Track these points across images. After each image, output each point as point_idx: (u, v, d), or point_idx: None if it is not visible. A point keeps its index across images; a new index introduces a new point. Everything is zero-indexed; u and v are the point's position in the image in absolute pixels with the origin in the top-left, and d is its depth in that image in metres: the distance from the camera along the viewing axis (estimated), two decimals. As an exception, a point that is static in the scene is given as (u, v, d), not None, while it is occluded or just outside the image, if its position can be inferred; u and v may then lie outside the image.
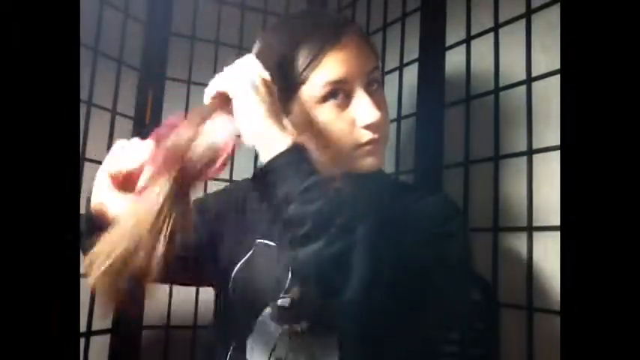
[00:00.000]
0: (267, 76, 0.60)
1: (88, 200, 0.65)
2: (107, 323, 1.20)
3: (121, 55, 1.28)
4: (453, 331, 0.97)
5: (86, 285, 0.55)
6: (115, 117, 1.25)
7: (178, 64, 1.36)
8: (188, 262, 0.68)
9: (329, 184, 0.55)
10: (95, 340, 1.16)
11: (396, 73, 1.25)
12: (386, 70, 1.28)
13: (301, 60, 0.65)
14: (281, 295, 0.69)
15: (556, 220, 0.86)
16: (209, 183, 1.13)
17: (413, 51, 1.20)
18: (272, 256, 0.72)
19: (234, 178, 1.33)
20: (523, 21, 0.96)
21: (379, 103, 0.68)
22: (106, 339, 1.20)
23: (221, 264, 0.76)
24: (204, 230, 0.77)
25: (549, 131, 0.89)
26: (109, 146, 1.24)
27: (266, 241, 0.74)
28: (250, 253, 0.74)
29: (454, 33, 1.12)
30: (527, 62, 0.95)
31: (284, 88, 0.65)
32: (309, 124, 0.67)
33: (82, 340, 1.14)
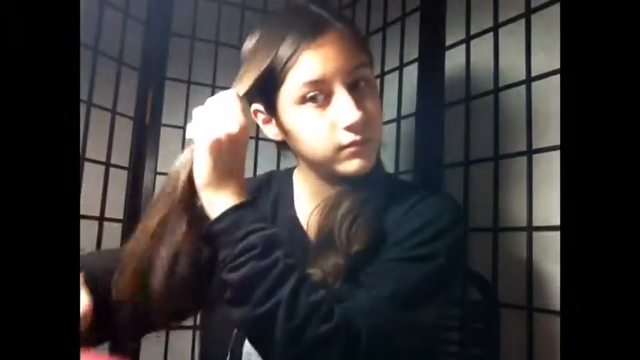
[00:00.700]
0: (240, 120, 0.59)
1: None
2: (107, 323, 1.20)
3: (121, 55, 1.28)
4: (452, 331, 0.97)
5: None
6: (115, 117, 1.25)
7: (178, 64, 1.36)
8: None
9: (264, 243, 0.56)
10: (95, 340, 1.16)
11: (396, 73, 1.25)
12: (386, 70, 1.28)
13: (280, 59, 0.63)
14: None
15: (556, 220, 0.86)
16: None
17: (413, 51, 1.20)
18: None
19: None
20: (523, 21, 0.96)
21: (365, 102, 0.65)
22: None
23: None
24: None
25: (549, 131, 0.89)
26: (109, 146, 1.25)
27: None
28: None
29: (454, 33, 1.12)
30: (527, 62, 0.95)
31: (270, 88, 0.64)
32: (291, 126, 0.65)
33: (82, 340, 1.14)
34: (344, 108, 0.63)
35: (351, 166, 0.65)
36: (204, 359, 0.80)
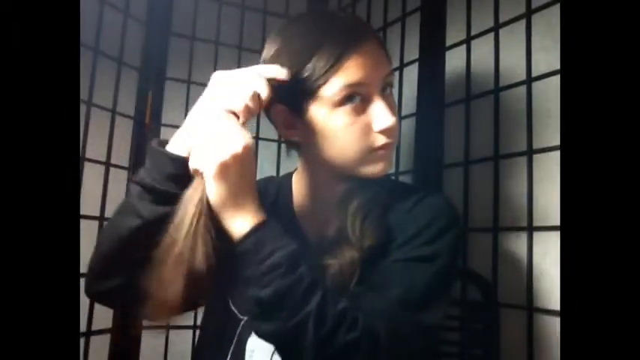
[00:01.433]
0: (242, 138, 0.58)
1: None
2: (107, 323, 1.20)
3: (121, 55, 1.28)
4: (452, 331, 0.97)
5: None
6: (115, 117, 1.25)
7: (178, 64, 1.36)
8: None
9: (289, 258, 0.58)
10: (95, 340, 1.17)
11: (396, 73, 1.25)
12: (386, 70, 1.28)
13: (322, 62, 0.64)
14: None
15: (556, 220, 0.86)
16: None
17: (413, 51, 1.20)
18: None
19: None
20: (523, 21, 0.96)
21: (392, 107, 0.68)
22: (106, 339, 1.20)
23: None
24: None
25: (549, 131, 0.89)
26: (109, 146, 1.25)
27: None
28: None
29: (454, 33, 1.12)
30: (527, 62, 0.95)
31: (300, 91, 0.65)
32: (324, 128, 0.66)
33: (82, 340, 1.14)
34: (381, 112, 0.66)
35: (376, 168, 0.69)
36: (199, 356, 0.80)
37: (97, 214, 1.20)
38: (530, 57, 0.94)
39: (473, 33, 1.07)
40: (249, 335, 0.70)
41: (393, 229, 0.67)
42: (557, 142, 0.87)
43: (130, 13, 1.30)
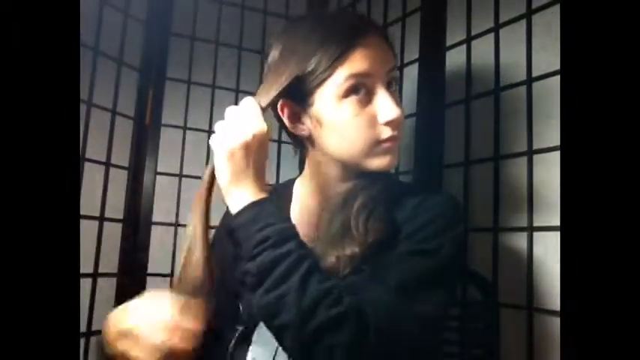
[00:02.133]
0: (259, 130, 0.64)
1: None
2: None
3: (121, 55, 1.28)
4: (452, 331, 0.97)
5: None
6: (115, 117, 1.25)
7: (178, 64, 1.36)
8: None
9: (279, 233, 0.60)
10: (95, 340, 1.16)
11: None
12: (386, 70, 1.28)
13: (328, 55, 0.65)
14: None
15: (556, 220, 0.86)
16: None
17: (413, 51, 1.20)
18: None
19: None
20: (523, 21, 0.96)
21: (397, 102, 0.69)
22: (106, 339, 1.20)
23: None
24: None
25: (549, 131, 0.89)
26: (109, 146, 1.25)
27: None
28: None
29: (454, 33, 1.12)
30: (527, 62, 0.95)
31: (306, 85, 0.67)
32: (330, 120, 0.67)
33: (82, 340, 1.14)
34: (386, 104, 0.67)
35: (382, 161, 0.70)
36: None
37: (97, 214, 1.20)
38: (531, 57, 0.94)
39: (473, 33, 1.07)
40: (249, 344, 0.70)
41: (398, 225, 0.67)
42: (557, 142, 0.87)
43: (130, 13, 1.30)
